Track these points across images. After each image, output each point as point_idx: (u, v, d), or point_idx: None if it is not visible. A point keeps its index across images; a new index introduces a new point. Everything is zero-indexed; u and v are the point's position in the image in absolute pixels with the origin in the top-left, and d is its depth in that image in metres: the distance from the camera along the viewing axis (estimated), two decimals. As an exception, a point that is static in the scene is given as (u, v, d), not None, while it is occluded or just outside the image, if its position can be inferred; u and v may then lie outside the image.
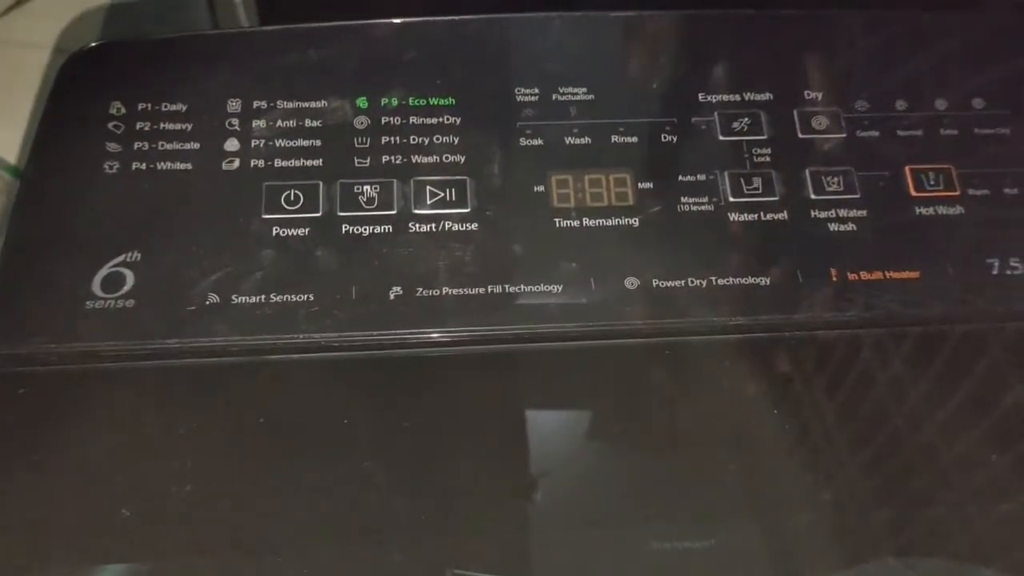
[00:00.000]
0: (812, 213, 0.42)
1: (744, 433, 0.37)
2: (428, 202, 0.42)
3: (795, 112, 0.44)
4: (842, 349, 0.39)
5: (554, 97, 0.44)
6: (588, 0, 0.47)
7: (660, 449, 0.37)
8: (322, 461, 0.36)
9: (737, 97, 0.45)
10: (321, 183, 0.42)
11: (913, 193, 0.43)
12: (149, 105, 0.43)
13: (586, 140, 0.43)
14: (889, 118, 0.44)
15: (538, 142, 0.43)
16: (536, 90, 0.44)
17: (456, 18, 0.46)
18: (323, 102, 0.44)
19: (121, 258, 0.40)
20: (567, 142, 0.43)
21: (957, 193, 0.43)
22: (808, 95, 0.45)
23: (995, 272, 0.41)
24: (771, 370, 0.39)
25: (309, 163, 0.42)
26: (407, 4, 0.46)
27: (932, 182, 0.43)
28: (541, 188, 0.42)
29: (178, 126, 0.43)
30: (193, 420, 0.36)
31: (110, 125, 0.43)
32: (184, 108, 0.43)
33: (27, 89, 0.76)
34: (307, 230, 0.41)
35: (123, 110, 0.43)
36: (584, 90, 0.44)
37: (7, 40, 0.84)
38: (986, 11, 0.49)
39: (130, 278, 0.39)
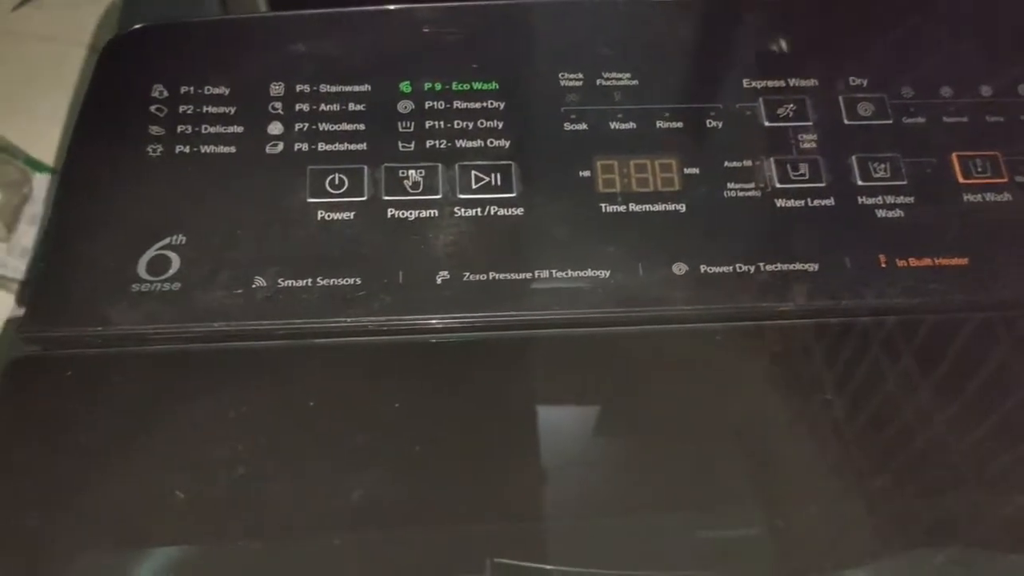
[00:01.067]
0: (859, 199, 0.42)
1: (795, 420, 0.37)
2: (473, 187, 0.41)
3: (841, 98, 0.44)
4: (892, 335, 0.39)
5: (598, 82, 0.44)
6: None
7: (710, 435, 0.37)
8: (370, 444, 0.36)
9: (782, 83, 0.44)
10: (366, 167, 0.41)
11: (961, 180, 0.42)
12: (192, 88, 0.43)
13: (631, 125, 0.43)
14: (935, 104, 0.44)
15: (583, 127, 0.43)
16: (580, 75, 0.44)
17: (499, 2, 0.46)
18: (366, 86, 0.43)
19: (166, 241, 0.40)
20: (612, 127, 0.43)
21: (1005, 180, 0.42)
22: (853, 81, 0.45)
23: (1044, 259, 0.41)
24: (821, 356, 0.38)
25: (353, 147, 0.42)
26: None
27: (979, 169, 0.43)
28: (586, 173, 0.42)
29: (221, 109, 0.42)
30: (243, 403, 0.36)
31: (153, 108, 0.42)
32: (227, 91, 0.43)
33: (42, 81, 0.76)
34: (352, 214, 0.41)
35: (165, 93, 0.43)
36: (628, 75, 0.44)
37: (22, 33, 0.84)
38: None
39: (175, 261, 0.39)
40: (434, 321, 0.39)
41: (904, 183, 0.42)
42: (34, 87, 0.75)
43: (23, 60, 0.81)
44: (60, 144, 0.56)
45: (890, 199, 0.42)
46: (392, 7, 0.45)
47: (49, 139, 0.56)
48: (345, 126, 0.42)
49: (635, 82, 0.44)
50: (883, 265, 0.40)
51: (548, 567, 0.34)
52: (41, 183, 0.52)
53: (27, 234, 0.51)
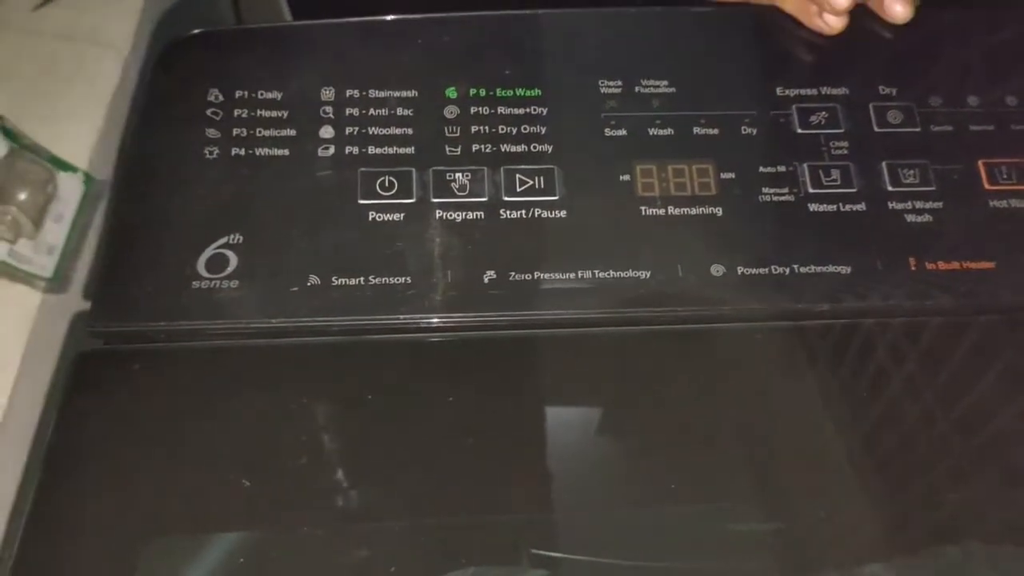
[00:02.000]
0: (889, 204, 0.43)
1: (832, 417, 0.39)
2: (518, 190, 0.43)
3: (871, 106, 0.46)
4: (927, 335, 0.41)
5: (637, 89, 0.46)
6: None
7: (750, 431, 0.38)
8: (423, 437, 0.37)
9: (814, 91, 0.46)
10: (414, 170, 0.43)
11: (987, 186, 0.44)
12: (246, 93, 0.44)
13: (669, 131, 0.45)
14: (962, 113, 0.46)
15: (622, 133, 0.45)
16: (619, 82, 0.46)
17: (542, 12, 0.47)
18: (413, 91, 0.45)
19: (224, 240, 0.41)
20: (650, 133, 0.45)
21: (1030, 187, 0.44)
22: (883, 90, 0.46)
23: (1069, 263, 0.42)
24: (859, 355, 0.40)
25: (402, 151, 0.44)
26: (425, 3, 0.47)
27: (1005, 175, 0.44)
28: (626, 177, 0.43)
29: (274, 113, 0.44)
30: (303, 396, 0.38)
31: (209, 112, 0.44)
32: (279, 96, 0.44)
33: (63, 80, 0.78)
34: (402, 215, 0.42)
35: (221, 97, 0.44)
36: (666, 83, 0.46)
37: (43, 32, 0.86)
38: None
39: (233, 259, 0.41)
40: (482, 318, 0.40)
41: (932, 189, 0.44)
42: (57, 86, 0.76)
43: (44, 59, 0.82)
44: (87, 145, 0.57)
45: (919, 204, 0.43)
46: (438, 15, 0.46)
47: (71, 138, 0.58)
48: (394, 130, 0.44)
49: (672, 89, 0.46)
50: (913, 268, 0.42)
51: (586, 558, 0.35)
52: (65, 181, 0.54)
53: (53, 231, 0.53)
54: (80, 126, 0.57)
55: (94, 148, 0.51)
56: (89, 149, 0.51)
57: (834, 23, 0.46)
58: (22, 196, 0.50)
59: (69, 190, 0.52)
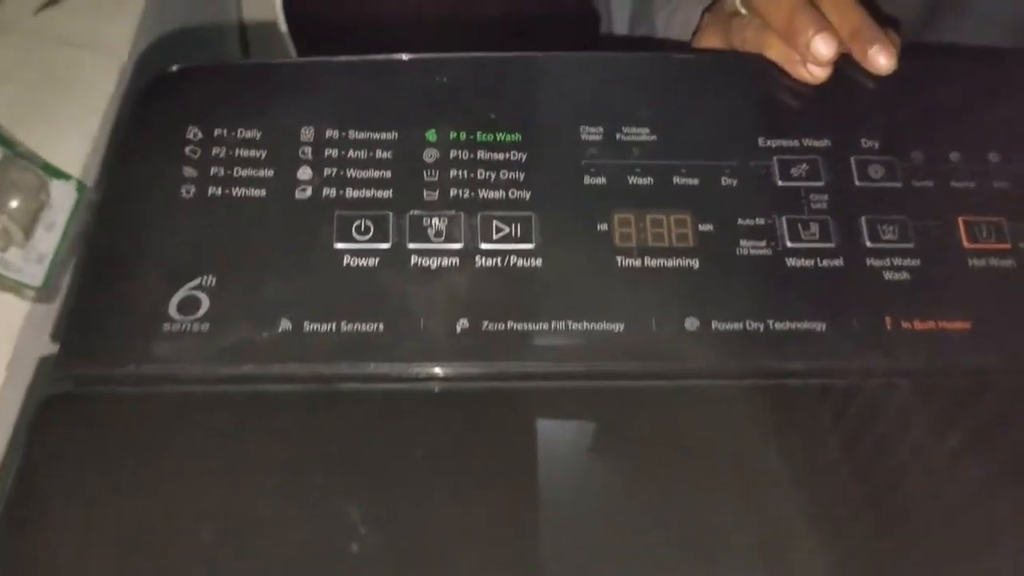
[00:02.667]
0: (868, 261, 0.43)
1: (799, 480, 0.38)
2: (494, 237, 0.43)
3: (852, 160, 0.45)
4: (898, 397, 0.40)
5: (618, 136, 0.45)
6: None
7: (715, 493, 0.38)
8: (390, 493, 0.37)
9: (796, 143, 0.46)
10: (391, 214, 0.43)
11: (966, 244, 0.44)
12: (225, 131, 0.44)
13: (648, 180, 0.44)
14: (944, 169, 0.45)
15: (602, 181, 0.44)
16: (601, 129, 0.45)
17: (525, 55, 0.47)
18: (393, 133, 0.45)
19: (197, 282, 0.41)
20: (630, 182, 0.44)
21: (1008, 246, 0.44)
22: (865, 143, 0.46)
23: (1045, 325, 0.42)
24: (827, 416, 0.40)
25: (380, 194, 0.43)
26: (435, 41, 0.47)
27: (985, 234, 0.44)
28: (604, 227, 0.43)
29: (253, 153, 0.44)
30: (268, 446, 0.38)
31: (187, 150, 0.44)
32: (259, 135, 0.44)
33: (61, 86, 0.77)
34: (377, 260, 0.42)
35: (200, 135, 0.44)
36: (647, 130, 0.46)
37: (43, 36, 0.86)
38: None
39: (205, 302, 0.41)
40: (453, 369, 0.40)
41: (911, 246, 0.44)
42: (53, 92, 0.76)
43: (43, 64, 0.82)
44: (81, 153, 0.57)
45: (897, 261, 0.43)
46: (422, 56, 0.46)
47: (67, 145, 0.58)
48: (372, 173, 0.44)
49: (653, 137, 0.45)
50: (889, 327, 0.42)
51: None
52: (58, 189, 0.54)
53: (44, 240, 0.53)
54: (75, 133, 0.57)
55: (89, 155, 0.51)
56: (83, 156, 0.51)
57: (817, 73, 0.46)
58: (14, 204, 0.50)
59: (62, 198, 0.52)
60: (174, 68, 0.46)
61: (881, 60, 0.46)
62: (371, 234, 0.42)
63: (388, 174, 0.44)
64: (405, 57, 0.46)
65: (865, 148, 0.46)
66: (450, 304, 0.41)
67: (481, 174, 0.44)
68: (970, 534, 0.38)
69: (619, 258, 0.43)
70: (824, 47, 0.45)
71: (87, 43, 0.86)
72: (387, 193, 0.43)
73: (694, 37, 0.56)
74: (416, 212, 0.43)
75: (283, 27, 1.06)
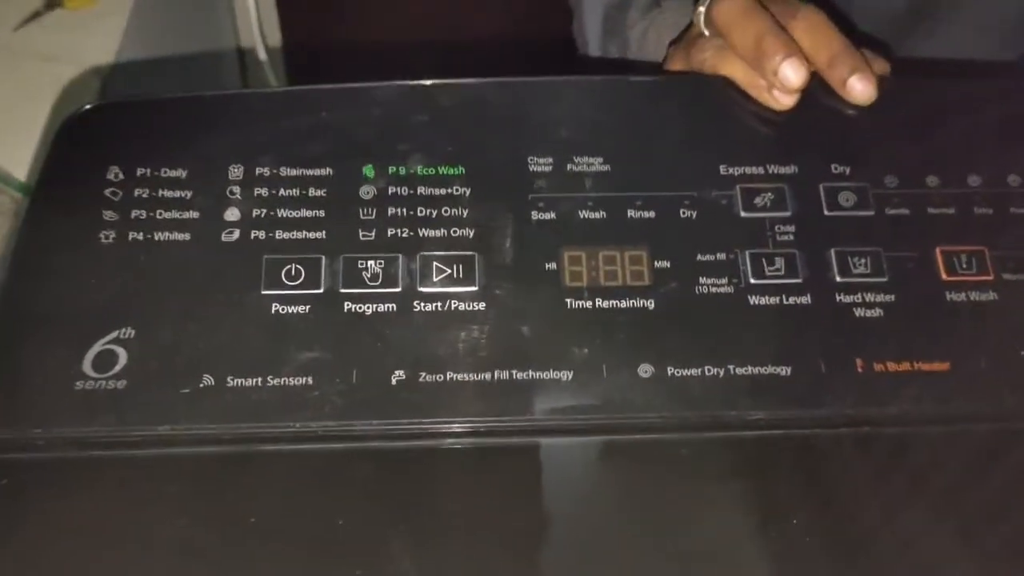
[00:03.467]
0: (837, 297, 0.40)
1: (760, 541, 0.35)
2: (435, 279, 0.40)
3: (821, 187, 0.42)
4: (867, 448, 0.37)
5: (568, 167, 0.42)
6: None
7: (669, 555, 0.35)
8: (316, 564, 0.34)
9: (761, 170, 0.43)
10: (324, 257, 0.40)
11: (944, 277, 0.41)
12: (148, 170, 0.42)
13: (601, 214, 0.42)
14: (920, 195, 0.42)
15: (551, 216, 0.41)
16: (550, 159, 0.43)
17: (468, 81, 0.44)
18: (328, 169, 0.42)
19: (114, 335, 0.38)
20: (581, 216, 0.41)
21: (991, 277, 0.41)
22: (835, 168, 0.43)
23: (1030, 365, 0.39)
24: (791, 472, 0.37)
25: (312, 235, 0.41)
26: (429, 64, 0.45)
27: (964, 265, 0.41)
28: (552, 265, 0.40)
29: (177, 194, 0.41)
30: (181, 516, 0.35)
31: (107, 192, 0.41)
32: (184, 174, 0.42)
33: (41, 102, 0.75)
34: (308, 307, 0.39)
35: (121, 176, 0.41)
36: (600, 160, 0.43)
37: (22, 51, 0.84)
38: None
39: (123, 356, 0.38)
40: (386, 427, 0.37)
41: (885, 280, 0.40)
42: (32, 107, 0.74)
43: (22, 80, 0.80)
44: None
45: (869, 297, 0.40)
46: (355, 85, 0.43)
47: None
48: (304, 212, 0.41)
49: (607, 167, 0.42)
50: (860, 369, 0.39)
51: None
52: None
53: None
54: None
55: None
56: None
57: (784, 100, 0.43)
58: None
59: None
60: (92, 104, 0.43)
61: (859, 89, 0.43)
62: (302, 279, 0.40)
63: (322, 213, 0.41)
64: (337, 87, 0.43)
65: (835, 174, 0.43)
66: (385, 354, 0.38)
67: (421, 211, 0.41)
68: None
69: (569, 300, 0.40)
70: (793, 74, 0.42)
71: (67, 58, 0.84)
72: (320, 234, 0.41)
73: (664, 60, 0.53)
74: (351, 254, 0.40)
75: (263, 55, 1.04)
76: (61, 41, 0.84)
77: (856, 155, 0.43)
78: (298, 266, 0.40)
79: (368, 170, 0.42)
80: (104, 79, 0.81)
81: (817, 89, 0.44)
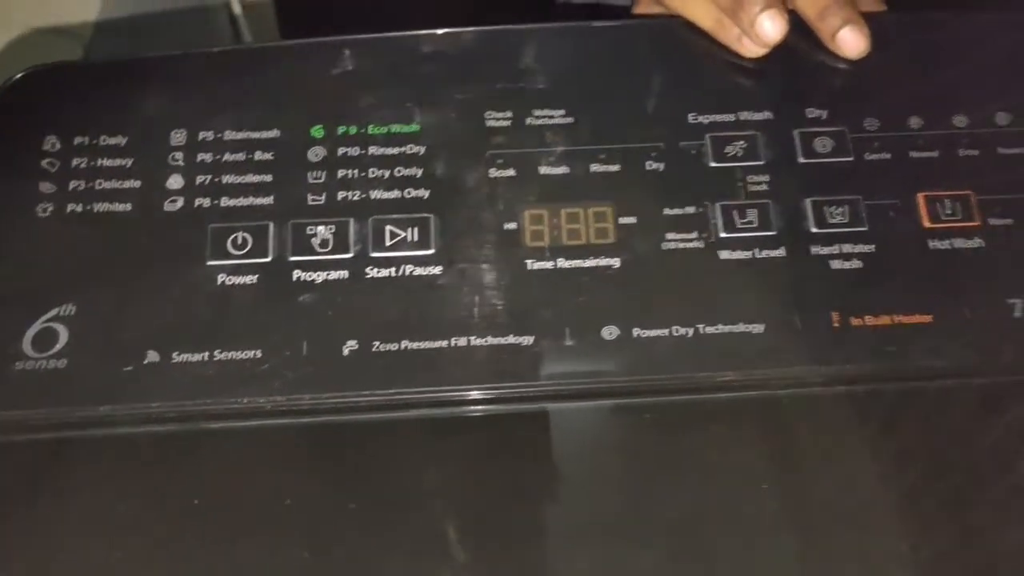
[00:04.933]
0: (813, 249, 0.38)
1: (732, 507, 0.34)
2: (387, 243, 0.38)
3: (796, 133, 0.40)
4: (843, 408, 0.35)
5: (528, 121, 0.40)
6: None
7: (633, 523, 0.33)
8: (264, 544, 0.33)
9: (731, 117, 0.40)
10: (271, 224, 0.38)
11: (927, 224, 0.38)
12: (87, 139, 0.40)
13: (563, 169, 0.39)
14: (901, 138, 0.40)
15: (510, 173, 0.39)
16: (509, 113, 0.40)
17: (421, 33, 0.42)
18: (275, 131, 0.40)
19: (54, 312, 0.37)
20: (542, 172, 0.39)
21: (977, 223, 0.38)
22: (811, 113, 0.40)
23: (1018, 314, 0.37)
24: (764, 436, 0.35)
25: (259, 201, 0.39)
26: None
27: (948, 211, 0.39)
28: (513, 225, 0.38)
29: (117, 162, 0.39)
30: (126, 498, 0.33)
31: (44, 162, 0.39)
32: (124, 141, 0.40)
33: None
34: (255, 277, 0.37)
35: (58, 145, 0.40)
36: (562, 112, 0.40)
37: (9, 21, 0.82)
38: (1014, 10, 0.44)
39: (64, 334, 0.36)
40: (340, 399, 0.35)
41: (864, 229, 0.38)
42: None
43: (10, 48, 0.79)
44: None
45: (847, 248, 0.38)
46: (301, 42, 0.41)
47: None
48: (251, 177, 0.39)
49: (570, 120, 0.40)
50: (836, 324, 0.37)
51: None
52: None
53: None
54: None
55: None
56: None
57: (755, 51, 0.41)
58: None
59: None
60: (27, 71, 0.41)
61: (851, 42, 0.40)
62: (249, 247, 0.38)
63: (268, 178, 0.39)
64: (286, 44, 0.41)
65: (811, 119, 0.40)
66: (337, 323, 0.37)
67: (373, 172, 0.39)
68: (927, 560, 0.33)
69: (529, 261, 0.38)
70: (771, 26, 0.40)
71: (55, 25, 0.82)
72: (267, 200, 0.39)
73: (633, 2, 0.50)
74: (299, 220, 0.38)
75: (237, 8, 1.01)
76: (47, 8, 0.83)
77: (833, 98, 0.41)
78: (245, 234, 0.38)
79: (316, 131, 0.40)
80: (85, 44, 0.79)
81: (794, 29, 0.41)
